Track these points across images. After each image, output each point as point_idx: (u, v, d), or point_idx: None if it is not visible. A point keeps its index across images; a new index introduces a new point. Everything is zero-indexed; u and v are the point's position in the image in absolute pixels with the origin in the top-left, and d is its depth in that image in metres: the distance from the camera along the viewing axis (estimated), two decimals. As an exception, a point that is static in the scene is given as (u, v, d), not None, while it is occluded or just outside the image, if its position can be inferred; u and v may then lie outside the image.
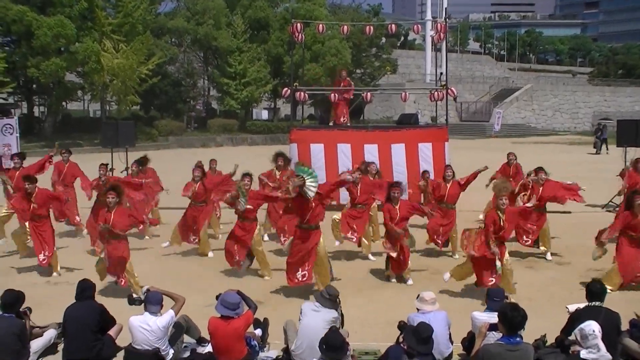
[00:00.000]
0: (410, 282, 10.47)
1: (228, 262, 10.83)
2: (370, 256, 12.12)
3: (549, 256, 12.09)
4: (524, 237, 12.14)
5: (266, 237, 13.20)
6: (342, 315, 7.21)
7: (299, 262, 9.64)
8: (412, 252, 11.39)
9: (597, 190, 16.78)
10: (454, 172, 12.32)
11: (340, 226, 11.93)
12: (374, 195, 12.23)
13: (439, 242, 12.12)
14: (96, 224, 10.49)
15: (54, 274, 10.92)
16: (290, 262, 9.72)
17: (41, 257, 10.82)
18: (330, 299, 6.93)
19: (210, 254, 12.19)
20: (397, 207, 10.40)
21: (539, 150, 37.16)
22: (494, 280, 9.27)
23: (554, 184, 12.09)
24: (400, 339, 6.61)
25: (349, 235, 11.88)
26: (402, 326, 6.77)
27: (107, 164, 13.42)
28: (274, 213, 12.92)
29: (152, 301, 6.80)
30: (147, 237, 13.59)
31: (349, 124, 19.14)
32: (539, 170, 12.18)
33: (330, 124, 19.02)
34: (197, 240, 12.24)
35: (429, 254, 12.40)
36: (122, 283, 9.52)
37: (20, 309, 7.02)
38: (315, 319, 6.74)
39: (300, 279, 9.65)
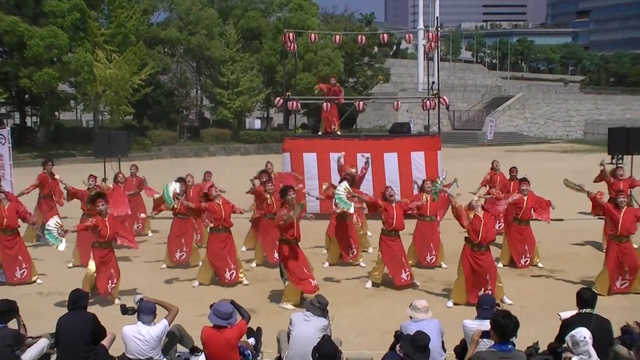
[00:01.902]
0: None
1: (219, 277, 10.88)
2: (361, 262, 12.35)
3: (540, 264, 12.14)
4: (522, 258, 12.10)
5: (244, 248, 13.28)
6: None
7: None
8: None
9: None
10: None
11: (340, 252, 12.31)
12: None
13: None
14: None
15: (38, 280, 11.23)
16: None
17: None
18: (321, 308, 6.95)
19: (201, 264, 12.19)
20: None
21: (531, 158, 37.28)
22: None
23: (535, 197, 12.13)
24: (397, 348, 6.61)
25: (350, 257, 12.38)
26: (399, 335, 6.76)
27: (95, 176, 13.45)
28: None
29: (145, 311, 6.79)
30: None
31: (339, 132, 19.16)
32: (523, 181, 12.23)
33: (320, 132, 19.02)
34: (184, 256, 12.21)
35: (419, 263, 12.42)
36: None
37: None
38: (307, 329, 6.75)
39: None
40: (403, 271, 10.66)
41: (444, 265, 12.10)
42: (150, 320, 6.77)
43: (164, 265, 12.25)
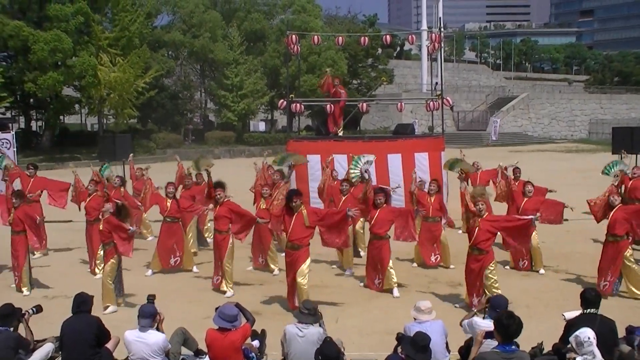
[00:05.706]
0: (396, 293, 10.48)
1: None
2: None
3: (542, 271, 11.87)
4: (520, 261, 12.01)
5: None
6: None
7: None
8: (408, 262, 11.44)
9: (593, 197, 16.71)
10: (439, 186, 12.45)
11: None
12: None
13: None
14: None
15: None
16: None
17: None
18: (310, 313, 6.83)
19: (195, 269, 12.18)
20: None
21: (536, 158, 37.19)
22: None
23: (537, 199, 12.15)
24: (399, 350, 6.61)
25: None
26: (400, 337, 6.75)
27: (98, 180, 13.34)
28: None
29: (143, 314, 6.72)
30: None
31: (340, 134, 19.18)
32: (527, 183, 12.29)
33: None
34: (178, 261, 12.07)
35: (425, 263, 12.41)
36: None
37: (23, 311, 7.07)
38: (303, 346, 6.64)
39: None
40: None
41: (451, 267, 12.08)
42: (148, 325, 6.71)
43: (150, 272, 11.97)
